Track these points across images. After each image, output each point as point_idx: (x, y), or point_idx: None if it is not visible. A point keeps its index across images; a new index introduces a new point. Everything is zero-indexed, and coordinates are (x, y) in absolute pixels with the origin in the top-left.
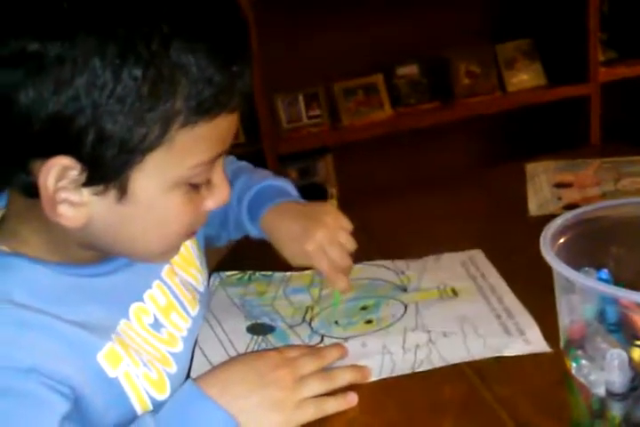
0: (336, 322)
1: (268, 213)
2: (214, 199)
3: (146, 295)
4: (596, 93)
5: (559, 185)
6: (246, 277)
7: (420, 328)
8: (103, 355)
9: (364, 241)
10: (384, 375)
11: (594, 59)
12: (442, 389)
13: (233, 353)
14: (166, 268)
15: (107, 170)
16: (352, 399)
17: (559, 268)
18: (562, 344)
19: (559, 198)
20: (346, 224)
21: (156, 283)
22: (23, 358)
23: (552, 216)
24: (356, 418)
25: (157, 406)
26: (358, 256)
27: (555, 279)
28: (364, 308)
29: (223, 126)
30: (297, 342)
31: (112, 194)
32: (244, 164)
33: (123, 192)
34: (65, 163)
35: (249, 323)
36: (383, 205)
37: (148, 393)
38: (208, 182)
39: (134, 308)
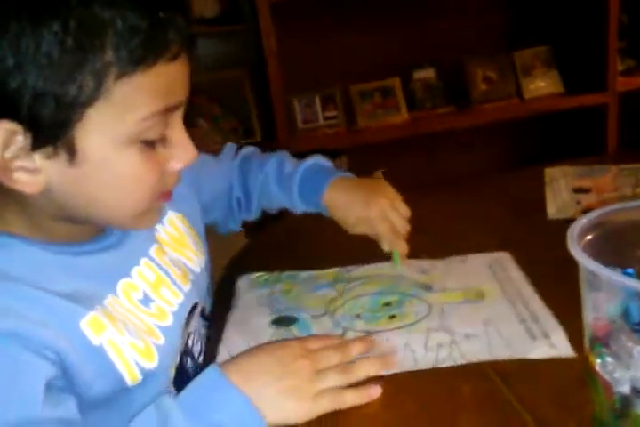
0: (359, 316)
1: (328, 187)
2: (179, 159)
3: (134, 272)
4: (614, 102)
5: (578, 190)
6: (273, 277)
7: (443, 329)
8: (86, 322)
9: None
10: (405, 369)
11: (612, 67)
12: (462, 386)
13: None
14: (154, 246)
15: (49, 130)
16: (374, 392)
17: (585, 263)
18: (586, 341)
19: (578, 203)
20: (399, 195)
21: (143, 260)
22: (8, 323)
23: (571, 220)
24: (374, 413)
25: (147, 375)
26: (381, 257)
27: (580, 276)
28: (387, 304)
29: (165, 76)
30: (320, 333)
31: (63, 156)
32: (251, 149)
33: (72, 153)
34: (7, 127)
35: (273, 317)
36: None
37: (135, 361)
38: (164, 140)
39: (122, 284)
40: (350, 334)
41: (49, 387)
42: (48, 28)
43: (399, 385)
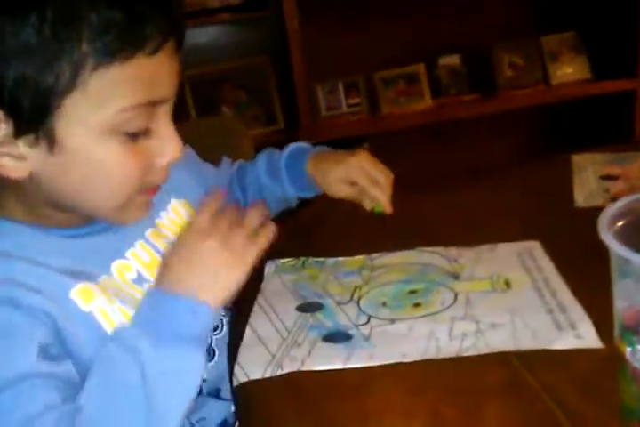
0: (384, 304)
1: (309, 161)
2: (165, 153)
3: (128, 253)
4: None
5: (606, 178)
6: (300, 263)
7: (468, 318)
8: (76, 291)
9: (408, 232)
10: (428, 357)
11: None
12: (486, 374)
13: (282, 328)
14: (150, 230)
15: (29, 117)
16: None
17: (617, 249)
18: (616, 330)
19: (606, 191)
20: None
21: (139, 242)
22: (2, 289)
23: (599, 208)
24: (398, 400)
25: None
26: (405, 245)
27: (611, 263)
28: (413, 291)
29: (145, 69)
30: (344, 320)
31: (44, 145)
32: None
33: (52, 141)
34: None
35: (298, 303)
36: (423, 196)
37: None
38: (148, 133)
39: (116, 264)
40: (374, 322)
41: (45, 350)
42: (26, 19)
43: (423, 373)
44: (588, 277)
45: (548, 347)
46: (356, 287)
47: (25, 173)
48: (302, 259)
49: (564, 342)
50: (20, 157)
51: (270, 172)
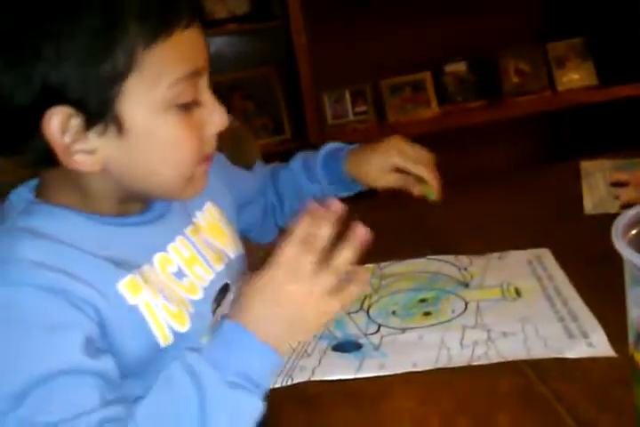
0: (394, 312)
1: (345, 157)
2: (212, 122)
3: (169, 247)
4: None
5: (615, 184)
6: None
7: (479, 327)
8: (124, 284)
9: (418, 239)
10: (440, 366)
11: None
12: (498, 383)
13: None
14: (190, 227)
15: (97, 108)
16: (361, 232)
17: (631, 257)
18: (630, 337)
19: (616, 197)
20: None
21: (179, 238)
22: (52, 278)
23: (609, 215)
24: (411, 409)
25: (179, 337)
26: (414, 254)
27: (625, 271)
28: (423, 300)
29: (183, 43)
30: (354, 329)
31: (112, 131)
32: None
33: (120, 126)
34: (61, 112)
35: None
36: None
37: (167, 323)
38: (197, 104)
39: (158, 256)
40: (384, 331)
41: (89, 344)
42: (79, 18)
43: (435, 382)
44: (599, 284)
45: (559, 355)
46: (365, 296)
47: (99, 165)
48: None
49: (577, 351)
50: (92, 151)
51: (308, 173)
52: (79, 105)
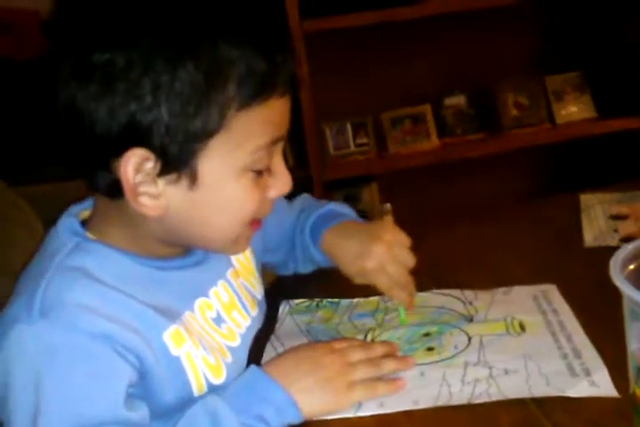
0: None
1: (327, 233)
2: (276, 187)
3: (211, 292)
4: None
5: (615, 217)
6: (314, 304)
7: (481, 363)
8: (169, 334)
9: (421, 274)
10: (440, 404)
11: None
12: (499, 416)
13: None
14: (231, 270)
15: (176, 158)
16: (401, 385)
17: (629, 292)
18: (631, 372)
19: (615, 230)
20: (404, 240)
21: (220, 282)
22: (102, 324)
23: (609, 248)
24: None
25: (212, 390)
26: (417, 288)
27: (624, 305)
28: (426, 334)
29: (275, 109)
30: None
31: (184, 182)
32: (305, 195)
33: (193, 179)
34: (141, 154)
35: None
36: (431, 235)
37: (205, 375)
38: (269, 170)
39: (199, 302)
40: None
41: (129, 395)
42: (184, 68)
43: (435, 416)
44: (602, 319)
45: (561, 394)
46: (369, 329)
47: (161, 210)
48: (316, 300)
49: (579, 390)
50: (157, 196)
51: (302, 231)
52: (160, 151)
